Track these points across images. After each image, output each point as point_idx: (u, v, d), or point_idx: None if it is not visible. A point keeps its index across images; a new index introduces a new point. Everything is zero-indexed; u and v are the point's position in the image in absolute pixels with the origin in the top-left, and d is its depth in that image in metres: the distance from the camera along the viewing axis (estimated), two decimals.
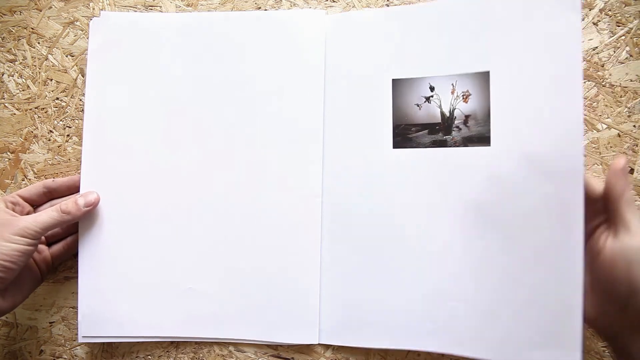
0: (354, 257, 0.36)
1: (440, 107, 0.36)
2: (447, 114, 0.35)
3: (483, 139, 0.34)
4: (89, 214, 0.37)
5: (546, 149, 0.33)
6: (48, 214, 0.34)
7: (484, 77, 0.35)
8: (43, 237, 0.37)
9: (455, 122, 0.35)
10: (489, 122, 0.34)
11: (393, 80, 0.36)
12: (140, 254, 0.37)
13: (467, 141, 0.35)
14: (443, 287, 0.35)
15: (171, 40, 0.38)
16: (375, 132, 0.37)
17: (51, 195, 0.37)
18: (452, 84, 0.35)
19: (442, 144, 0.35)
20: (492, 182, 0.34)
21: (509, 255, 0.33)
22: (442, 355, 0.37)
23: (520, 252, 0.33)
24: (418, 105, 0.36)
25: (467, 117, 0.35)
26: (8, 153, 0.40)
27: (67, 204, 0.35)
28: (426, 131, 0.36)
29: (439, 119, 0.36)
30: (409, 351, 0.37)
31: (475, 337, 0.34)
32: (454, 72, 0.35)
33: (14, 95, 0.40)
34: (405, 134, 0.36)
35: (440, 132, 0.36)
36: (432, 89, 0.36)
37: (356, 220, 0.37)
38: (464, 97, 0.35)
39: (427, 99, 0.36)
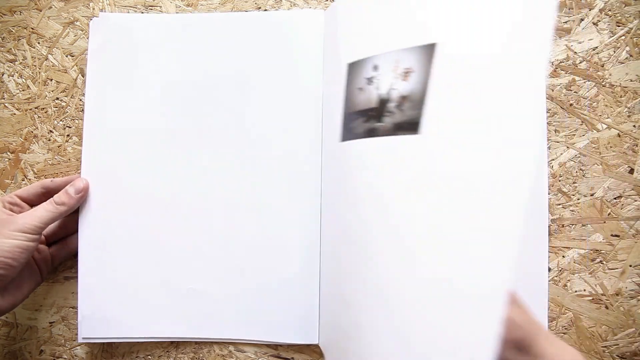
0: (351, 257, 0.36)
1: (377, 88, 0.30)
2: (385, 96, 0.29)
3: (412, 125, 0.27)
4: (91, 217, 0.37)
5: (495, 147, 0.25)
6: (44, 207, 0.34)
7: (428, 51, 0.27)
8: (43, 237, 0.37)
9: (390, 105, 0.29)
10: (424, 105, 0.27)
11: (348, 65, 0.32)
12: (140, 255, 0.37)
13: (397, 128, 0.28)
14: (435, 283, 0.32)
15: (170, 40, 0.38)
16: (334, 125, 0.34)
17: (50, 195, 0.37)
18: (396, 61, 0.29)
19: (373, 132, 0.30)
20: (417, 181, 0.27)
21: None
22: None
23: None
24: (360, 89, 0.31)
25: (403, 98, 0.28)
26: (8, 153, 0.40)
27: (59, 195, 0.35)
28: (363, 119, 0.30)
29: (375, 104, 0.30)
30: None
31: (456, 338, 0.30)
32: (400, 46, 0.29)
33: (14, 95, 0.40)
34: (348, 123, 0.32)
35: (372, 119, 0.30)
36: (375, 68, 0.30)
37: (343, 220, 0.35)
38: (405, 74, 0.29)
39: (369, 80, 0.30)
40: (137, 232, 0.37)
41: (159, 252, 0.37)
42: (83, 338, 0.37)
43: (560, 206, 0.38)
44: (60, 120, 0.40)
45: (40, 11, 0.41)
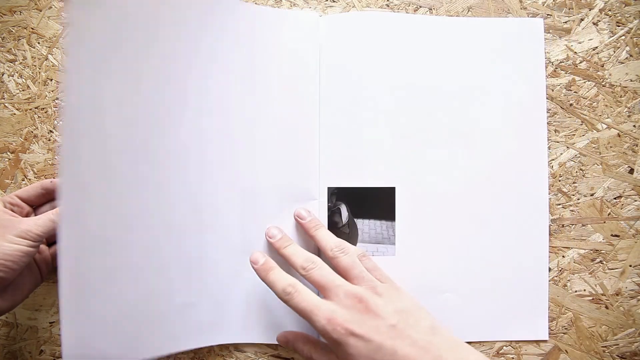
0: None
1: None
2: None
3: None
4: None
5: None
6: (49, 217, 0.34)
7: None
8: (45, 237, 0.37)
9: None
10: None
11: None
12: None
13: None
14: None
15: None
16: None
17: (50, 196, 0.37)
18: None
19: None
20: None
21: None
22: None
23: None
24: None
25: None
26: (8, 153, 0.40)
27: None
28: None
29: None
30: None
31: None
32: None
33: (14, 95, 0.40)
34: None
35: None
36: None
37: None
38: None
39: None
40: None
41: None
42: None
43: (560, 206, 0.38)
44: (60, 120, 0.40)
45: (40, 11, 0.41)
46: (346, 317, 0.29)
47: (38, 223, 0.33)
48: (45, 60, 0.40)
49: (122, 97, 0.33)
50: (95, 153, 0.33)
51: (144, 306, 0.34)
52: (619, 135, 0.38)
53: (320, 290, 0.32)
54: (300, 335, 0.35)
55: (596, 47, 0.39)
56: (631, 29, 0.39)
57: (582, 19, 0.39)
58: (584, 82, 0.39)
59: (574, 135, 0.38)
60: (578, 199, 0.38)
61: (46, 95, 0.40)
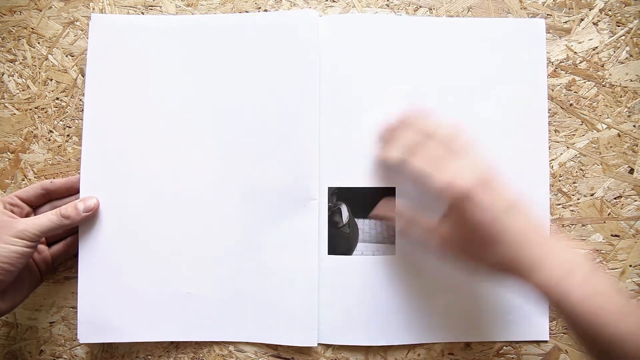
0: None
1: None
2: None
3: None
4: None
5: None
6: (47, 217, 0.34)
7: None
8: (43, 238, 0.37)
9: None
10: None
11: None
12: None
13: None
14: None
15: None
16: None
17: (50, 196, 0.37)
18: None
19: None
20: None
21: None
22: (442, 350, 0.37)
23: None
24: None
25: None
26: (8, 153, 0.40)
27: (67, 208, 0.35)
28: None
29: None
30: (409, 350, 0.37)
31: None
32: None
33: (14, 95, 0.40)
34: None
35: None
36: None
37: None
38: None
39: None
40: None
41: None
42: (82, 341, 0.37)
43: (560, 206, 0.38)
44: (60, 120, 0.40)
45: (40, 11, 0.41)
46: (469, 180, 0.29)
47: (35, 222, 0.33)
48: (45, 60, 0.40)
49: (139, 100, 0.38)
50: (115, 152, 0.38)
51: (154, 289, 0.37)
52: (619, 135, 0.38)
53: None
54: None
55: (596, 47, 0.39)
56: (631, 29, 0.39)
57: (582, 19, 0.39)
58: (584, 82, 0.39)
59: (574, 135, 0.38)
60: (578, 199, 0.38)
61: (46, 95, 0.40)
